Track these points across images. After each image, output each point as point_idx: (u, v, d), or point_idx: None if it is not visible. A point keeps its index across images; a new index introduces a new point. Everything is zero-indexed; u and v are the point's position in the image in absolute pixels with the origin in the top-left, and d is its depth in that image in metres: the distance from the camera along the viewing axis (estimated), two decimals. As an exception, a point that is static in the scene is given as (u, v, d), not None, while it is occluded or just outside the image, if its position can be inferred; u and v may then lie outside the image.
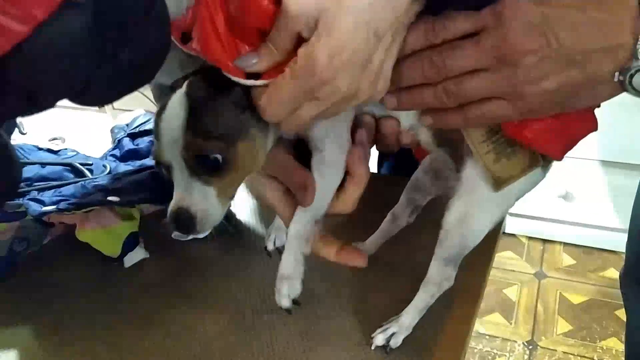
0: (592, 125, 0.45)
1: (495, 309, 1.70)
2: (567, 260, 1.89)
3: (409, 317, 0.53)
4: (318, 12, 0.34)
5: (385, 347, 0.52)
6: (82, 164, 0.76)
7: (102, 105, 0.29)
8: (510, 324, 1.64)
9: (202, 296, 0.60)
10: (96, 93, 0.27)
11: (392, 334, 0.52)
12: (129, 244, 0.65)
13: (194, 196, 0.43)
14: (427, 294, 0.53)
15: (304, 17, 0.35)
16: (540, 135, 0.43)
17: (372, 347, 0.52)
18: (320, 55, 0.35)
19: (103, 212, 0.64)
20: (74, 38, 0.24)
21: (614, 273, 1.80)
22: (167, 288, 0.62)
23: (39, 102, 0.26)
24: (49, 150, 0.81)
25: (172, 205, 0.44)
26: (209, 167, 0.42)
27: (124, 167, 0.78)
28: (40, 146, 0.82)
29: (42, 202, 0.60)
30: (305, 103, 0.38)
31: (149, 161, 0.77)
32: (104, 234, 0.64)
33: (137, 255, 0.66)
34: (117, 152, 0.84)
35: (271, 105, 0.38)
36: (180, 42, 0.39)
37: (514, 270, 1.85)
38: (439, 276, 0.52)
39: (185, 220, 0.43)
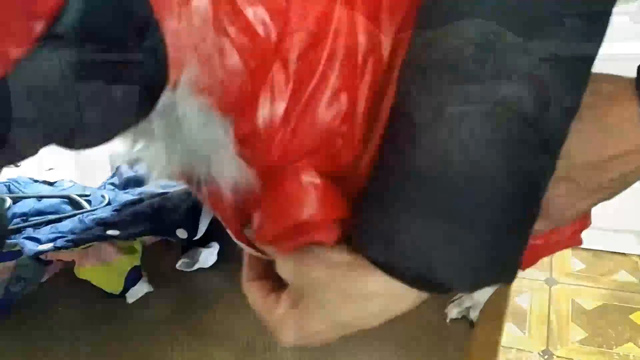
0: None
1: (507, 318, 1.66)
2: (577, 264, 1.86)
3: (482, 291, 0.51)
4: (299, 284, 0.33)
5: (466, 319, 0.51)
6: (79, 195, 0.74)
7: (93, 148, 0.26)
8: (524, 333, 1.60)
9: (210, 330, 0.57)
10: (85, 138, 0.24)
11: (468, 308, 0.51)
12: (132, 279, 0.62)
13: None
14: None
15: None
16: None
17: (447, 320, 0.51)
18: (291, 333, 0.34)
19: (102, 247, 0.61)
20: (55, 77, 0.21)
21: (626, 276, 1.77)
22: (173, 323, 0.59)
23: (16, 152, 0.23)
24: (45, 182, 0.79)
25: None
26: None
27: (123, 196, 0.75)
28: (36, 178, 0.79)
29: (37, 240, 0.58)
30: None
31: (148, 188, 0.75)
32: (104, 270, 0.61)
33: (141, 289, 0.63)
34: (115, 180, 0.81)
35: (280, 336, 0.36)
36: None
37: (523, 278, 1.81)
38: None
39: None
